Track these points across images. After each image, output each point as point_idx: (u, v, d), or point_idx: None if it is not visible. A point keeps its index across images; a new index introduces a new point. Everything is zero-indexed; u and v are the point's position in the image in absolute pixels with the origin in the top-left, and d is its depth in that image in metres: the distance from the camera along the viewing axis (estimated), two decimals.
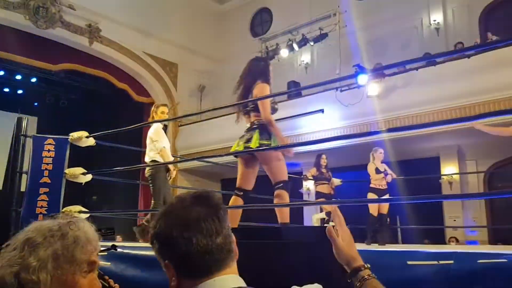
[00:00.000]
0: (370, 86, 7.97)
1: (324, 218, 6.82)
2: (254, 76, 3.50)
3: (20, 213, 3.77)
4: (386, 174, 5.99)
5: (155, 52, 12.08)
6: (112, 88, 11.90)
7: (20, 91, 12.49)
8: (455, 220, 8.67)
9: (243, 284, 0.92)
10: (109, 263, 3.31)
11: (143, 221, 5.08)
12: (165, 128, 5.23)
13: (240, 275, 0.95)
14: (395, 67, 7.34)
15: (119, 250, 3.01)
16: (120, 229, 9.23)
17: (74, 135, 3.92)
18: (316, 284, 1.04)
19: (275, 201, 3.32)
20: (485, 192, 8.50)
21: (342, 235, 1.15)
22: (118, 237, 8.54)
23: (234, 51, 12.64)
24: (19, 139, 3.96)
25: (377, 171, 5.98)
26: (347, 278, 1.11)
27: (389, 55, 8.90)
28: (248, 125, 3.49)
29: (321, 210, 7.19)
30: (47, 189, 3.76)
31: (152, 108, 5.11)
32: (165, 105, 5.28)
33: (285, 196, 3.29)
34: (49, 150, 3.85)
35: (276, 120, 3.49)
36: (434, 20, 9.91)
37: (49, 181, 3.78)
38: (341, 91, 8.53)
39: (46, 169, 3.80)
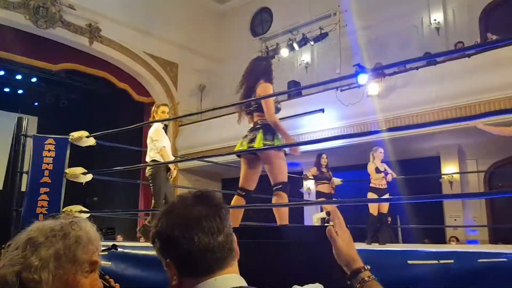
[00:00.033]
0: (370, 85, 7.96)
1: (325, 218, 6.81)
2: (256, 75, 3.48)
3: (20, 213, 3.78)
4: (386, 174, 5.98)
5: (155, 52, 12.07)
6: (112, 88, 11.90)
7: (20, 91, 12.50)
8: (455, 220, 8.67)
9: (244, 283, 0.92)
10: (109, 263, 3.32)
11: (145, 222, 5.09)
12: (165, 127, 5.24)
13: (241, 274, 0.95)
14: (395, 66, 7.34)
15: (119, 249, 3.01)
16: (121, 228, 9.26)
17: (75, 135, 3.92)
18: (317, 284, 1.04)
19: (274, 202, 3.31)
20: (486, 192, 8.49)
21: (341, 236, 1.14)
22: (119, 237, 8.57)
23: (234, 51, 12.65)
24: (20, 139, 3.96)
25: (377, 170, 5.97)
26: (347, 279, 1.10)
27: (389, 55, 8.88)
28: (251, 125, 3.47)
29: (322, 210, 7.19)
30: (47, 189, 3.76)
31: (153, 108, 5.10)
32: (165, 104, 5.27)
33: (284, 198, 3.28)
34: (49, 150, 3.86)
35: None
36: (434, 20, 9.90)
37: (49, 181, 3.79)
38: (341, 90, 8.52)
39: (46, 169, 3.81)
